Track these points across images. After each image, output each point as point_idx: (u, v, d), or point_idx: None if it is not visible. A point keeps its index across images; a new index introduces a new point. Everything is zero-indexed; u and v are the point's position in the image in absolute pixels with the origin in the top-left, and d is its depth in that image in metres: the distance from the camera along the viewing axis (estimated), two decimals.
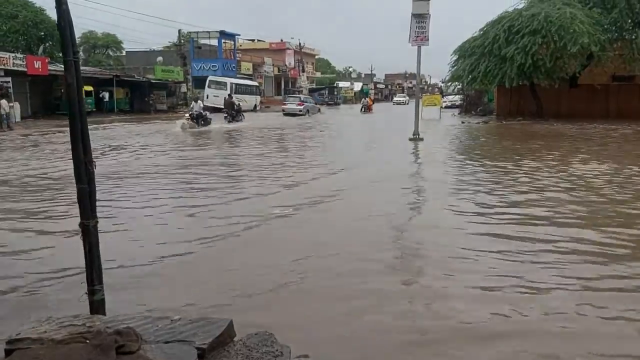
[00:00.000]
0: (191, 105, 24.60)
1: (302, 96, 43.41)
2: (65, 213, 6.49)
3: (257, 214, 6.52)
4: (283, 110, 38.22)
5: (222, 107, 40.68)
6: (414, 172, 10.90)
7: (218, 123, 24.80)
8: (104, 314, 2.82)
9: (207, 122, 23.73)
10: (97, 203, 2.90)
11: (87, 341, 2.16)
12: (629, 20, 26.77)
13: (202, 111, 23.75)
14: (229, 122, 26.42)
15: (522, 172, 10.10)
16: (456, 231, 5.75)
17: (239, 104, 30.15)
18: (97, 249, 2.89)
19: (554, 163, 11.30)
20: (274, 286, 4.13)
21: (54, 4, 2.78)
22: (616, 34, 27.26)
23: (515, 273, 4.37)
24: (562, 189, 8.15)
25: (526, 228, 5.84)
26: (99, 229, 2.89)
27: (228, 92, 42.07)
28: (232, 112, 27.34)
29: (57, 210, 6.83)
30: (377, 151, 14.96)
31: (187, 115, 23.89)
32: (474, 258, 4.79)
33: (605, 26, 26.25)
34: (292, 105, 38.41)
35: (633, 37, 26.33)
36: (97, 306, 2.83)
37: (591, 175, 9.48)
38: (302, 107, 37.78)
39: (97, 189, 2.90)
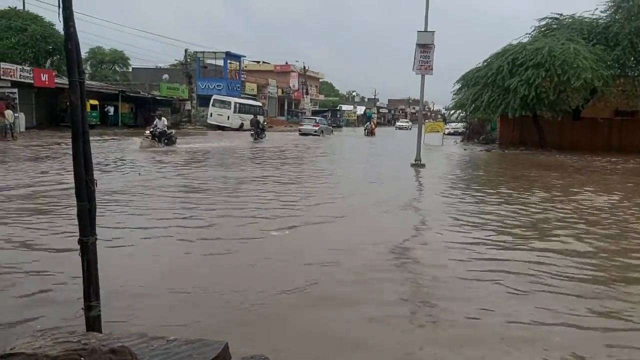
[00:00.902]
0: (154, 123, 22.17)
1: (317, 118, 46.28)
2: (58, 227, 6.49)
3: (255, 236, 6.53)
4: (299, 130, 41.03)
5: (225, 125, 41.45)
6: (412, 199, 10.88)
7: (211, 142, 24.67)
8: (100, 330, 2.82)
9: (171, 141, 21.99)
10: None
11: (82, 359, 2.15)
12: (632, 58, 27.10)
13: (166, 129, 21.95)
14: (255, 139, 28.60)
15: (527, 202, 10.10)
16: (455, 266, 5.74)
17: (263, 123, 32.62)
18: (95, 265, 2.90)
19: (558, 194, 11.32)
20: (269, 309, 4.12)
21: (59, 5, 2.82)
22: (619, 71, 27.54)
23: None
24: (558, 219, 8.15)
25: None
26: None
27: (232, 110, 42.51)
28: (258, 129, 29.76)
29: (56, 223, 6.83)
30: (379, 177, 14.99)
31: (146, 132, 21.98)
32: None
33: (609, 62, 26.51)
34: (308, 125, 41.22)
35: (635, 74, 26.70)
36: (93, 322, 2.83)
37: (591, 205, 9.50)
38: (317, 128, 40.57)
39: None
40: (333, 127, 49.56)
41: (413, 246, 6.59)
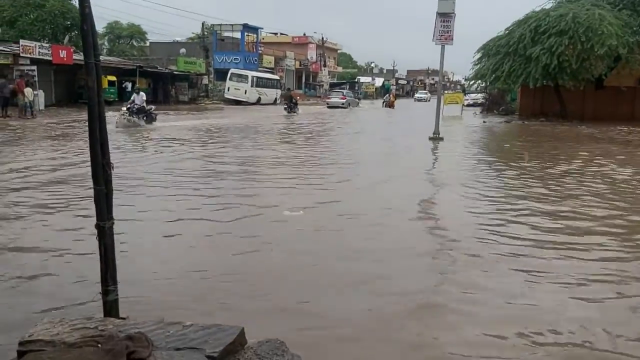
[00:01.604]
0: (132, 98, 19.92)
1: (344, 91, 47.72)
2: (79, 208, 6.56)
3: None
4: (327, 104, 42.53)
5: (242, 99, 41.42)
6: (429, 179, 10.72)
7: (213, 119, 24.21)
8: (118, 314, 2.84)
9: (150, 118, 19.78)
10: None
11: (99, 345, 2.17)
12: None
13: (144, 105, 19.50)
14: (288, 112, 29.47)
15: (546, 180, 9.95)
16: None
17: (297, 98, 33.76)
18: (112, 249, 2.91)
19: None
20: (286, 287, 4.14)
21: None
22: None
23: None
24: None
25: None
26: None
27: (249, 84, 42.40)
28: (291, 104, 30.46)
29: (77, 205, 6.91)
30: (397, 150, 14.90)
31: (124, 109, 19.26)
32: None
33: (635, 28, 25.68)
34: (335, 98, 42.94)
35: None
36: (110, 306, 2.85)
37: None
38: (344, 100, 42.30)
39: None
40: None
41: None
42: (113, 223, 2.95)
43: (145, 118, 19.25)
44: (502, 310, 3.80)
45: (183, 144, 14.31)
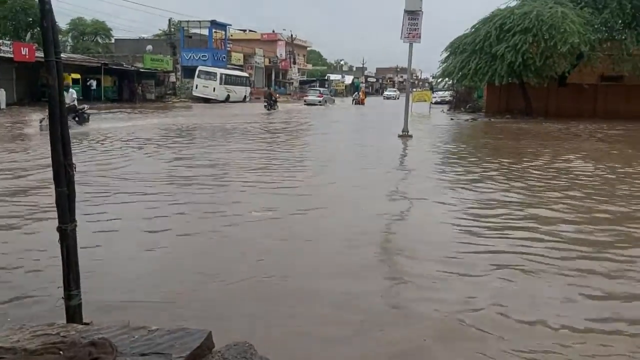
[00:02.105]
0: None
1: (321, 89, 50.24)
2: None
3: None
4: (304, 101, 44.52)
5: (211, 97, 41.02)
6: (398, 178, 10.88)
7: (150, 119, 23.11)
8: (81, 319, 2.78)
9: (82, 119, 17.43)
10: None
11: (61, 352, 2.11)
12: (620, 21, 26.97)
13: (75, 104, 16.90)
14: (268, 109, 30.63)
15: (509, 173, 10.14)
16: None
17: (277, 96, 35.38)
18: (75, 253, 2.84)
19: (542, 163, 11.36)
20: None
21: None
22: (606, 34, 27.44)
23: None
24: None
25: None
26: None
27: (218, 82, 42.03)
28: (271, 101, 31.57)
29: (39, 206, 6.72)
30: (367, 147, 14.96)
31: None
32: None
33: (596, 26, 26.43)
34: (312, 96, 44.60)
35: (623, 37, 26.58)
36: (73, 312, 2.78)
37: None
38: (321, 98, 44.00)
39: None
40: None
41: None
42: (76, 225, 2.88)
43: (76, 119, 16.79)
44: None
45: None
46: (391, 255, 5.22)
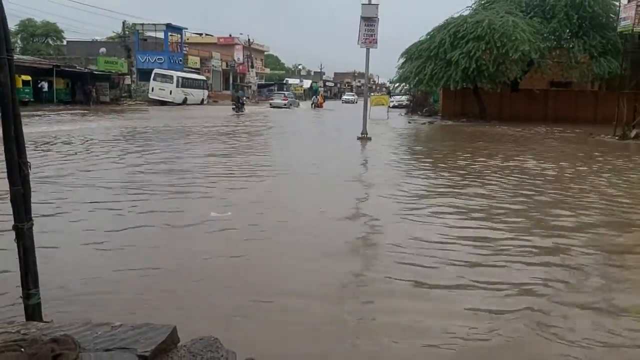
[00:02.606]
0: None
1: (285, 93, 52.34)
2: None
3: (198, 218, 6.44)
4: (270, 104, 46.44)
5: (167, 100, 40.40)
6: (361, 172, 11.03)
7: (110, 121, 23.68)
8: (41, 319, 2.72)
9: None
10: None
11: (22, 349, 2.07)
12: (567, 30, 28.13)
13: None
14: (237, 112, 32.16)
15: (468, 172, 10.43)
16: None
17: (244, 98, 37.83)
18: (32, 251, 2.79)
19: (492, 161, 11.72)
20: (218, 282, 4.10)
21: None
22: (555, 43, 28.60)
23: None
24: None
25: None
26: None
27: (175, 85, 41.46)
28: (239, 104, 33.39)
29: None
30: (327, 149, 15.07)
31: None
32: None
33: (545, 35, 27.50)
34: (278, 100, 46.80)
35: (570, 46, 27.78)
36: (32, 311, 2.73)
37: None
38: (286, 101, 45.90)
39: None
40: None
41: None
42: (32, 224, 2.82)
43: None
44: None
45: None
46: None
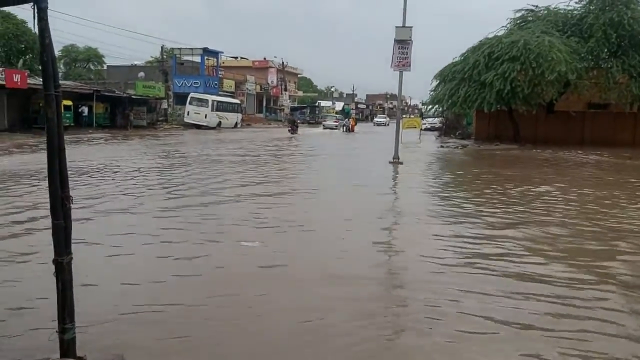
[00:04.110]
0: None
1: (337, 115, 59.88)
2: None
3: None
4: (323, 125, 52.37)
5: (202, 124, 41.17)
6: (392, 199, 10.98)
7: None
8: (75, 354, 2.77)
9: None
10: None
11: None
12: (605, 50, 27.50)
13: None
14: (292, 133, 35.78)
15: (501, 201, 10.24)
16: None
17: (298, 121, 43.00)
18: (70, 286, 2.85)
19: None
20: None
21: (34, 16, 2.74)
22: (592, 63, 27.98)
23: None
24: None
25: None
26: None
27: (210, 109, 42.25)
28: (294, 126, 37.37)
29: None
30: (360, 172, 15.08)
31: None
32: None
33: (582, 55, 26.95)
34: (330, 122, 52.69)
35: (609, 66, 27.10)
36: (67, 345, 2.77)
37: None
38: (337, 123, 51.49)
39: None
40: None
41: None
42: (71, 258, 2.89)
43: None
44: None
45: None
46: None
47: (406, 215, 8.66)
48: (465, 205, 9.66)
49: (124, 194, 9.83)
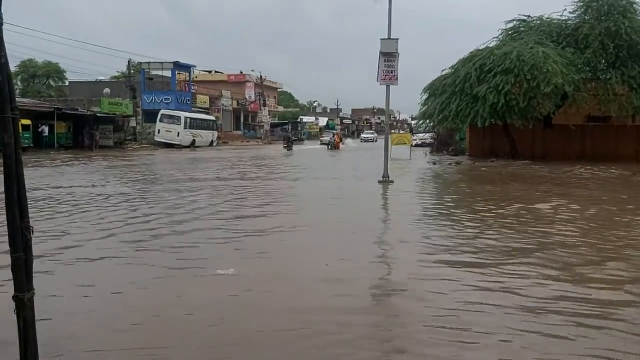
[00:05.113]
0: None
1: (334, 131, 63.63)
2: None
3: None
4: (320, 141, 55.65)
5: (175, 142, 41.16)
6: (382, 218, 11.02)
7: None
8: None
9: None
10: None
11: None
12: (603, 61, 28.10)
13: None
14: (288, 150, 39.73)
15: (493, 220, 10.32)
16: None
17: (294, 138, 50.49)
18: (33, 324, 2.83)
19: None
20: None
21: None
22: (590, 74, 28.54)
23: None
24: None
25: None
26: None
27: (182, 126, 42.27)
28: (289, 142, 41.72)
29: None
30: (347, 193, 15.08)
31: None
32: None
33: (579, 66, 27.45)
34: (327, 137, 54.20)
35: (607, 77, 27.59)
36: None
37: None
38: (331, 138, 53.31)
39: None
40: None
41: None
42: (34, 294, 2.87)
43: None
44: None
45: None
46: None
47: (402, 264, 7.10)
48: (482, 239, 8.45)
49: (90, 224, 9.75)
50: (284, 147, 41.29)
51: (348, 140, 73.39)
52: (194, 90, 54.05)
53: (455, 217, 10.91)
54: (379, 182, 16.90)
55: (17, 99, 2.90)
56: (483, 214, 11.25)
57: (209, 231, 8.93)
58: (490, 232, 9.09)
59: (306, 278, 6.28)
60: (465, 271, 6.49)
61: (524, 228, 9.36)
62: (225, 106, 60.88)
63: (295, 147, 43.69)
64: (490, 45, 29.13)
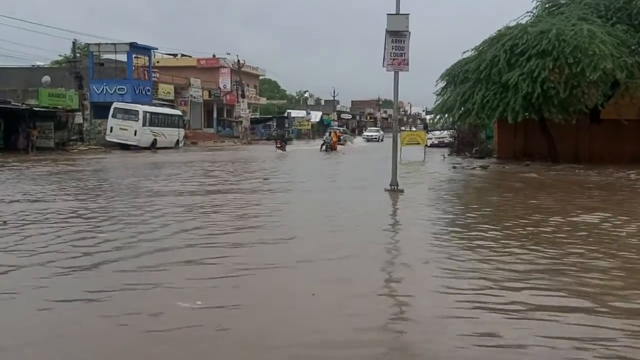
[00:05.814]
0: None
1: (340, 129, 65.29)
2: None
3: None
4: (324, 140, 54.95)
5: (131, 143, 41.06)
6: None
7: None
8: None
9: None
10: None
11: None
12: None
13: None
14: (282, 151, 41.63)
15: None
16: None
17: (288, 137, 54.19)
18: None
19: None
20: None
21: None
22: None
23: None
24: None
25: None
26: None
27: (140, 123, 42.18)
28: (283, 142, 44.04)
29: None
30: (346, 217, 14.90)
31: None
32: None
33: (633, 47, 27.45)
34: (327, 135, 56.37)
35: None
36: None
37: None
38: (340, 137, 53.40)
39: None
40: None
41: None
42: None
43: None
44: None
45: None
46: None
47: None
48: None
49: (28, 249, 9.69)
50: (277, 147, 42.72)
51: (358, 139, 74.65)
52: (155, 79, 53.97)
53: (492, 243, 9.91)
54: (386, 190, 16.79)
55: None
56: (537, 241, 9.90)
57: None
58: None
59: None
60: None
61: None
62: (195, 98, 60.81)
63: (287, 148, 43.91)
64: (523, 22, 29.11)
